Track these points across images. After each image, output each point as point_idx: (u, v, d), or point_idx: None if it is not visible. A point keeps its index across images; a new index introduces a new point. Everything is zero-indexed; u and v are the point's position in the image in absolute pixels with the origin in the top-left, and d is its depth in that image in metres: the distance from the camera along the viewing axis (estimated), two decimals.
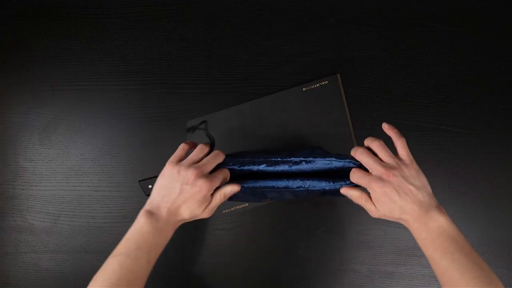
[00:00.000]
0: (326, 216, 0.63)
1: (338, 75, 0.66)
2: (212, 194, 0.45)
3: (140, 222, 0.43)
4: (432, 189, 0.64)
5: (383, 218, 0.44)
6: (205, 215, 0.45)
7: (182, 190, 0.43)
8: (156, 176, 0.64)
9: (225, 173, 0.47)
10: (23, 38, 0.69)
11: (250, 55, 0.67)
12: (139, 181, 0.64)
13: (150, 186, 0.64)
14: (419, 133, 0.65)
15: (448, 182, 0.64)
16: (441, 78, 0.66)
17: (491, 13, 0.68)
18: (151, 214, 0.43)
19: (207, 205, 0.45)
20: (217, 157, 0.46)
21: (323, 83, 0.65)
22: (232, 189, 0.46)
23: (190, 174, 0.43)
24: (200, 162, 0.45)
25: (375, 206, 0.44)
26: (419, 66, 0.67)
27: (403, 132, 0.64)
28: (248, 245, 0.64)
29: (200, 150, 0.47)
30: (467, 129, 0.65)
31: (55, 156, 0.66)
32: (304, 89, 0.65)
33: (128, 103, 0.67)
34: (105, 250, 0.64)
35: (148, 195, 0.64)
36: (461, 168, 0.64)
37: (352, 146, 0.64)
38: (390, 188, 0.41)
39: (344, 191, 0.47)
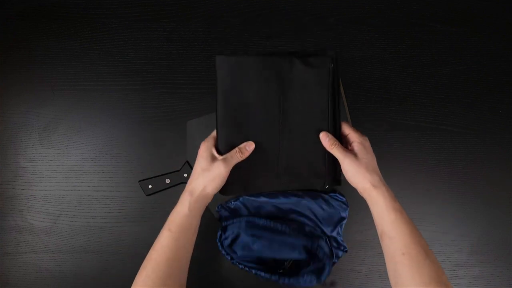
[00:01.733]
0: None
1: None
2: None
3: None
4: (432, 189, 0.64)
5: (358, 174, 0.45)
6: (219, 166, 0.47)
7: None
8: (156, 176, 0.64)
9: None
10: (23, 38, 0.69)
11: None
12: (139, 181, 0.64)
13: (150, 186, 0.64)
14: (419, 133, 0.65)
15: (448, 182, 0.64)
16: (441, 78, 0.66)
17: (491, 13, 0.68)
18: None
19: (217, 156, 0.49)
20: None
21: None
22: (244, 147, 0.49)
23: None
24: None
25: (356, 155, 0.46)
26: (419, 66, 0.67)
27: (403, 132, 0.65)
28: None
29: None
30: (467, 129, 0.65)
31: (55, 156, 0.66)
32: None
33: (128, 103, 0.67)
34: (105, 250, 0.64)
35: (148, 195, 0.64)
36: (461, 168, 0.64)
37: None
38: (369, 144, 0.48)
39: (323, 135, 0.49)
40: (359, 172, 0.44)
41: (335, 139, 0.49)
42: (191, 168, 0.64)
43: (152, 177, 0.64)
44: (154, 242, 0.47)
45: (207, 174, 0.47)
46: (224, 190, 0.51)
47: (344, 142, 0.51)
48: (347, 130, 0.49)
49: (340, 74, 0.55)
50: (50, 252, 0.64)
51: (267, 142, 0.50)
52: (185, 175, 0.64)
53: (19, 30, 0.69)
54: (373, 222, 0.62)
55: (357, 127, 0.64)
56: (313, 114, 0.50)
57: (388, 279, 0.62)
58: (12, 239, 0.65)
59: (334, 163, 0.52)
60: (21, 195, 0.66)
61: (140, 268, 0.45)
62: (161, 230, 0.46)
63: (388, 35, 0.67)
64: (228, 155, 0.48)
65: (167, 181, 0.64)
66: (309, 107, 0.50)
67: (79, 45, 0.68)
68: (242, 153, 0.48)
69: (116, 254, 0.64)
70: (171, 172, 0.64)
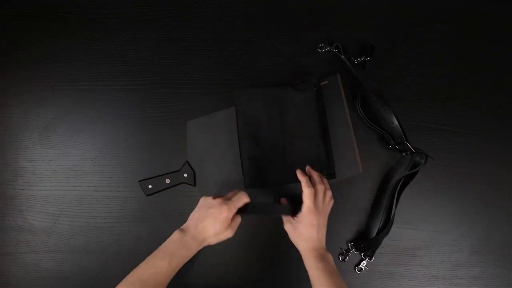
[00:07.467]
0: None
1: (338, 75, 0.66)
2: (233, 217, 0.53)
3: (172, 235, 0.52)
4: (433, 189, 0.64)
5: (294, 238, 0.56)
6: (229, 233, 0.52)
7: (208, 213, 0.51)
8: (156, 176, 0.64)
9: (243, 198, 0.53)
10: (23, 38, 0.69)
11: (250, 55, 0.67)
12: (139, 181, 0.64)
13: (150, 186, 0.64)
14: (419, 133, 0.65)
15: (448, 182, 0.64)
16: (441, 78, 0.66)
17: (491, 13, 0.68)
18: (181, 230, 0.52)
19: (230, 225, 0.52)
20: (242, 197, 0.53)
21: (323, 83, 0.65)
22: (243, 201, 0.53)
23: (215, 201, 0.52)
24: (226, 195, 0.54)
25: (295, 222, 0.55)
26: (419, 66, 0.67)
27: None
28: (247, 245, 0.64)
29: (232, 192, 0.55)
30: (467, 129, 0.65)
31: (55, 156, 0.66)
32: None
33: (128, 103, 0.67)
34: (105, 250, 0.64)
35: (148, 195, 0.64)
36: (461, 168, 0.64)
37: (352, 146, 0.64)
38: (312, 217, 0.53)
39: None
40: (295, 237, 0.56)
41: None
42: (191, 168, 0.64)
43: (152, 177, 0.64)
44: (148, 263, 0.50)
45: (217, 238, 0.52)
46: (247, 183, 0.62)
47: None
48: (305, 199, 0.54)
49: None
50: (50, 252, 0.64)
51: (274, 145, 0.63)
52: (185, 175, 0.64)
53: (19, 30, 0.69)
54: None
55: (357, 127, 0.65)
56: (305, 124, 0.63)
57: (388, 279, 0.63)
58: (12, 239, 0.65)
59: (327, 160, 0.62)
60: (21, 195, 0.66)
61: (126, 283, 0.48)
62: (157, 256, 0.50)
63: (388, 35, 0.67)
64: (233, 224, 0.53)
65: (167, 181, 0.64)
66: (301, 119, 0.63)
67: (79, 45, 0.68)
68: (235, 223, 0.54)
69: (116, 254, 0.64)
70: (171, 172, 0.64)
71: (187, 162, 0.64)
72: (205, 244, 0.52)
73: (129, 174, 0.65)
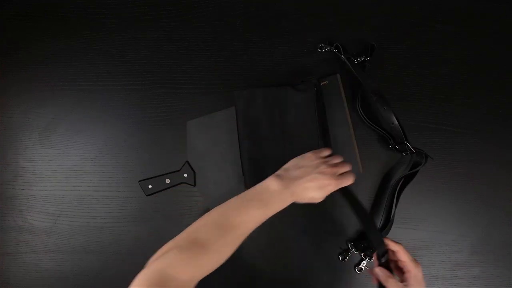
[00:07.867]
0: (327, 217, 0.64)
1: (338, 75, 0.66)
2: None
3: (269, 182, 0.49)
4: (433, 189, 0.64)
5: None
6: (320, 199, 0.50)
7: (316, 178, 0.49)
8: (156, 176, 0.64)
9: (351, 179, 0.52)
10: (23, 38, 0.69)
11: (250, 55, 0.67)
12: (139, 181, 0.64)
13: (150, 186, 0.64)
14: (419, 133, 0.65)
15: (448, 182, 0.64)
16: (441, 78, 0.66)
17: (491, 13, 0.68)
18: (281, 179, 0.49)
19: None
20: (350, 179, 0.51)
21: (323, 83, 0.65)
22: (350, 183, 0.51)
23: (328, 170, 0.50)
24: (339, 166, 0.52)
25: None
26: (419, 66, 0.67)
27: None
28: (247, 244, 0.64)
29: (346, 166, 0.53)
30: (467, 129, 0.65)
31: (55, 156, 0.66)
32: None
33: (128, 103, 0.67)
34: (105, 250, 0.64)
35: (148, 195, 0.64)
36: (461, 168, 0.64)
37: (352, 146, 0.64)
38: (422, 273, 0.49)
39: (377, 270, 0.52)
40: None
41: (389, 273, 0.52)
42: (191, 168, 0.64)
43: (152, 177, 0.64)
44: (242, 208, 0.47)
45: (309, 200, 0.50)
46: (247, 183, 0.63)
47: (393, 261, 0.54)
48: (403, 257, 0.51)
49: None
50: (50, 252, 0.64)
51: (274, 145, 0.63)
52: (185, 175, 0.64)
53: (19, 30, 0.69)
54: None
55: (357, 127, 0.65)
56: (305, 124, 0.63)
57: None
58: (12, 239, 0.65)
59: None
60: (21, 195, 0.66)
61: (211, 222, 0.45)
62: (252, 204, 0.47)
63: (388, 35, 0.67)
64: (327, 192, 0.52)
65: (167, 181, 0.64)
66: (301, 119, 0.63)
67: (79, 45, 0.68)
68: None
69: (116, 254, 0.64)
70: (171, 172, 0.64)
71: (187, 162, 0.64)
72: (294, 201, 0.50)
73: (129, 174, 0.65)
